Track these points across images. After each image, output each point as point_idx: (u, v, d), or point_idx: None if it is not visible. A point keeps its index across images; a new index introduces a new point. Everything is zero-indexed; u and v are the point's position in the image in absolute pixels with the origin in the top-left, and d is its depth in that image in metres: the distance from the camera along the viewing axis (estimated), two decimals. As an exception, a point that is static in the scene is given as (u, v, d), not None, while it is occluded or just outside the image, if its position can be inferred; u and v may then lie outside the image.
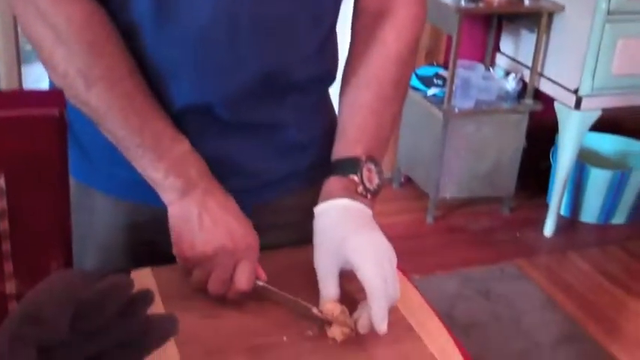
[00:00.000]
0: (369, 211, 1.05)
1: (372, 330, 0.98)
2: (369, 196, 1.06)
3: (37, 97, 0.71)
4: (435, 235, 3.28)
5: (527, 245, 3.26)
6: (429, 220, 3.34)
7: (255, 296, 1.03)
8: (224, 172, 1.12)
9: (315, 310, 0.99)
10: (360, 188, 1.05)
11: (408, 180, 3.57)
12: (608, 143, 3.61)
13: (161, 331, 0.62)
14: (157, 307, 1.02)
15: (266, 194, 1.17)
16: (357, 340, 0.99)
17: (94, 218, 1.18)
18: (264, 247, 1.16)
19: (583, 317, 2.77)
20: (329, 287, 1.00)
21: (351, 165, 1.07)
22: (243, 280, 1.00)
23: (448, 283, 2.90)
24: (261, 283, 1.03)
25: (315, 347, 0.97)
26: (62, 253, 0.73)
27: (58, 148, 0.66)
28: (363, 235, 1.00)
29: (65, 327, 0.53)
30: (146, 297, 0.59)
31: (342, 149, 1.11)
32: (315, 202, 1.20)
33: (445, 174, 3.24)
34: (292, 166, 1.18)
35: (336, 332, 0.97)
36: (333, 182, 1.07)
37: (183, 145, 1.03)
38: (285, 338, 0.99)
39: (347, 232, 1.00)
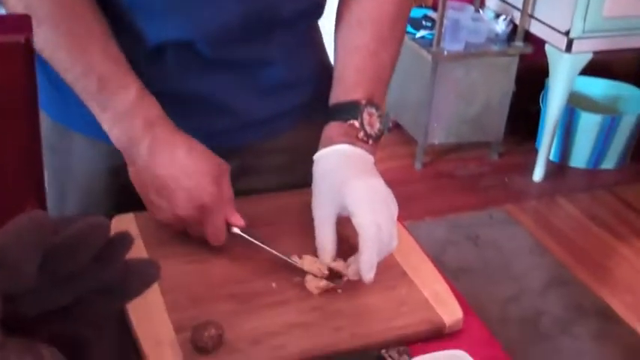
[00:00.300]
0: (370, 157, 1.01)
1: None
2: (370, 141, 1.01)
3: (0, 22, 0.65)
4: (423, 181, 3.24)
5: (516, 190, 3.23)
6: (418, 166, 3.30)
7: (240, 242, 0.98)
8: (207, 111, 1.07)
9: (294, 259, 0.95)
10: (361, 134, 1.01)
11: (397, 125, 3.52)
12: (598, 87, 3.56)
13: (142, 277, 0.57)
14: (140, 253, 0.98)
15: (251, 135, 1.12)
16: (351, 286, 0.95)
17: (73, 161, 1.13)
18: (251, 191, 1.12)
19: (572, 262, 2.76)
20: (325, 233, 0.96)
21: (350, 110, 1.02)
22: (211, 236, 0.96)
23: (437, 229, 2.88)
24: (236, 231, 0.98)
25: (305, 295, 0.93)
26: (33, 194, 0.68)
27: (25, 78, 0.60)
28: (362, 180, 0.95)
29: (33, 273, 0.48)
30: (124, 240, 0.54)
31: (340, 93, 1.06)
32: (304, 144, 1.16)
33: (434, 119, 3.19)
34: (279, 106, 1.13)
35: (310, 286, 0.93)
36: (332, 128, 1.03)
37: (128, 94, 0.95)
38: (274, 285, 0.95)
39: (346, 178, 0.95)
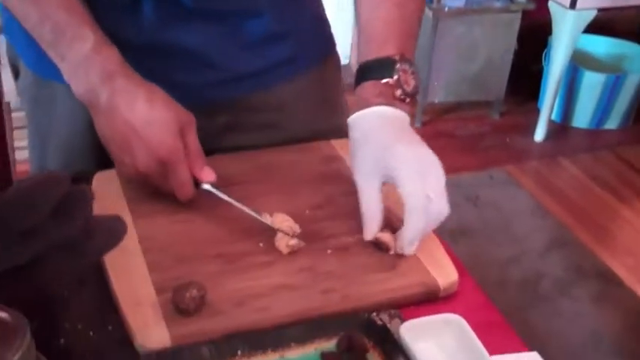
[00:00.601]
0: (407, 118, 0.95)
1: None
2: (407, 99, 0.95)
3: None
4: (423, 140, 3.18)
5: (517, 151, 3.18)
6: (417, 125, 3.25)
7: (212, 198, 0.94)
8: (189, 65, 1.02)
9: (265, 217, 0.91)
10: (399, 92, 0.94)
11: (396, 84, 3.46)
12: (602, 46, 3.49)
13: (107, 234, 0.53)
14: (122, 211, 0.94)
15: (238, 89, 1.07)
16: (341, 247, 0.91)
17: (55, 115, 1.09)
18: (239, 149, 1.08)
19: (573, 223, 2.72)
20: (371, 203, 0.90)
21: (384, 67, 0.95)
22: (177, 191, 0.92)
23: (436, 189, 2.83)
24: (206, 187, 0.93)
25: (293, 256, 0.89)
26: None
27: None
28: (408, 146, 0.90)
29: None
30: (84, 195, 0.49)
31: (371, 49, 0.98)
32: (293, 100, 1.11)
33: (434, 77, 3.13)
34: (267, 60, 1.07)
35: (281, 244, 0.89)
36: (367, 88, 0.96)
37: (83, 45, 0.90)
38: (261, 245, 0.91)
39: (389, 142, 0.89)
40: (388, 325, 0.81)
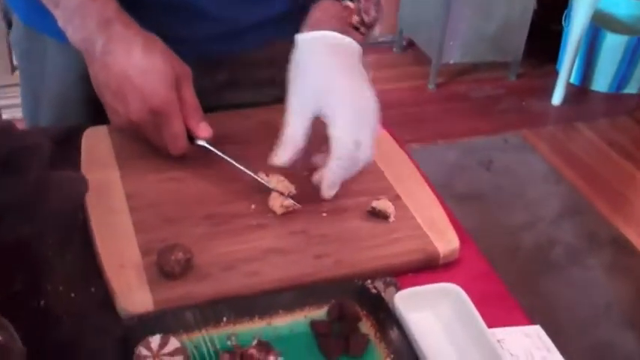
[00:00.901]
0: (358, 50, 0.88)
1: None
2: (362, 29, 0.89)
3: None
4: (436, 102, 3.12)
5: (534, 114, 3.11)
6: (431, 86, 3.18)
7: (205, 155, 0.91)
8: (188, 18, 0.97)
9: (261, 176, 0.87)
10: (355, 19, 0.89)
11: (411, 44, 3.39)
12: (624, 6, 3.38)
13: (65, 192, 0.48)
14: (112, 169, 0.91)
15: (238, 44, 1.02)
16: (338, 209, 0.87)
17: (46, 67, 1.06)
18: (241, 106, 1.04)
19: (589, 190, 2.66)
20: (295, 125, 0.85)
21: None
22: (169, 144, 0.88)
23: (449, 153, 2.78)
24: (201, 143, 0.89)
25: (286, 219, 0.85)
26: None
27: None
28: (349, 82, 0.84)
29: None
30: (39, 149, 0.45)
31: None
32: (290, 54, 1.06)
33: (449, 37, 3.05)
34: (268, 12, 1.02)
35: (275, 204, 0.85)
36: (323, 6, 0.91)
37: None
38: (253, 207, 0.87)
39: (331, 75, 0.84)
40: (382, 294, 0.77)
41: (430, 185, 0.94)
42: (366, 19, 0.89)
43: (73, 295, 0.76)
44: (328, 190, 0.85)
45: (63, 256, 0.81)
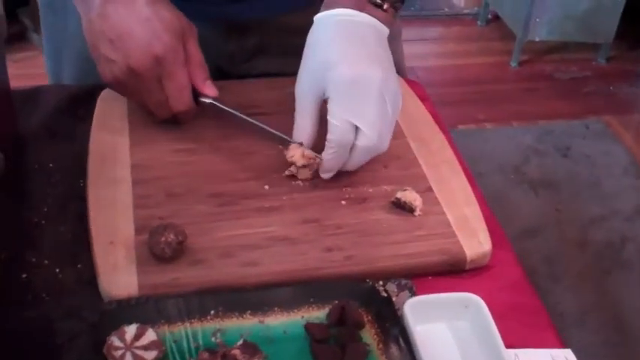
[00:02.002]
0: (381, 30, 0.79)
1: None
2: (385, 6, 0.79)
3: None
4: (517, 80, 2.96)
5: (621, 100, 2.91)
6: (513, 64, 3.02)
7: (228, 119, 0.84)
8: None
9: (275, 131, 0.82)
10: None
11: (496, 17, 3.22)
12: None
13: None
14: (122, 134, 0.85)
15: (269, 8, 0.94)
16: (358, 199, 0.78)
17: (69, 21, 1.00)
18: (271, 74, 0.96)
19: (672, 186, 2.47)
20: (303, 116, 0.79)
21: None
22: (172, 98, 0.80)
23: (524, 135, 2.63)
24: (208, 101, 0.83)
25: (301, 203, 0.77)
26: None
27: None
28: (353, 68, 0.74)
29: None
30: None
31: None
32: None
33: (536, 12, 2.86)
34: None
35: (296, 154, 0.79)
36: None
37: None
38: (266, 187, 0.79)
39: (334, 58, 0.75)
40: (394, 298, 0.69)
41: (470, 177, 0.84)
42: None
43: (57, 270, 0.70)
44: (324, 174, 0.79)
45: (56, 226, 0.75)
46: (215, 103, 0.82)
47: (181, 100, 0.80)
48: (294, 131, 0.80)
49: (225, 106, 0.83)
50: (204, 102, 0.82)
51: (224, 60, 0.97)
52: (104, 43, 0.78)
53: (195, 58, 0.81)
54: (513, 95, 2.87)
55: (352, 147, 0.76)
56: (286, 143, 0.80)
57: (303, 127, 0.79)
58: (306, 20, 0.96)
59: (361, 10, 0.78)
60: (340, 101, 0.74)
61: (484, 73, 2.95)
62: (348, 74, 0.74)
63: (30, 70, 2.12)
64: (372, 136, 0.74)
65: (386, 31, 0.79)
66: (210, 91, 0.82)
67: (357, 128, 0.74)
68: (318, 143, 0.79)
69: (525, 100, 2.85)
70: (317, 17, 0.79)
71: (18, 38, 2.77)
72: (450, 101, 2.73)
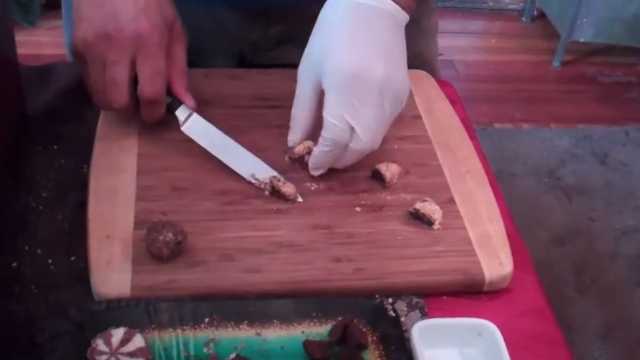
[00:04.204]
0: (399, 17, 0.72)
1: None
2: None
3: None
4: (558, 81, 2.87)
5: (665, 109, 2.81)
6: (556, 64, 2.93)
7: None
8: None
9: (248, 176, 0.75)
10: None
11: (541, 15, 3.12)
12: None
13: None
14: (132, 122, 0.80)
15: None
16: (373, 206, 0.74)
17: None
18: (296, 65, 0.91)
19: None
20: (299, 105, 0.74)
21: None
22: (145, 83, 0.71)
23: (561, 138, 2.55)
24: (186, 114, 0.77)
25: (313, 207, 0.73)
26: None
27: None
28: (351, 59, 0.68)
29: None
30: None
31: None
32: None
33: (583, 12, 2.77)
34: None
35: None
36: None
37: None
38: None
39: (332, 47, 0.69)
40: (402, 319, 0.64)
41: (497, 189, 0.78)
42: None
43: (50, 261, 0.67)
44: (312, 171, 0.75)
45: (53, 214, 0.72)
46: (193, 116, 0.76)
47: (153, 86, 0.72)
48: (291, 121, 0.75)
49: (206, 119, 0.77)
50: (181, 116, 0.76)
51: (247, 48, 0.92)
52: (90, 3, 0.71)
53: (180, 64, 0.75)
54: (553, 96, 2.78)
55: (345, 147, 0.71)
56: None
57: (299, 118, 0.74)
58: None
59: None
60: (337, 97, 0.69)
61: (525, 71, 2.87)
62: (346, 67, 0.68)
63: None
64: (367, 140, 0.70)
65: (405, 18, 0.73)
66: (191, 102, 0.76)
67: (352, 128, 0.69)
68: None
69: (565, 102, 2.76)
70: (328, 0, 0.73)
71: (53, 6, 2.75)
72: (487, 98, 2.66)
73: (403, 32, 0.73)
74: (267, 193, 0.73)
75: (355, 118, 0.69)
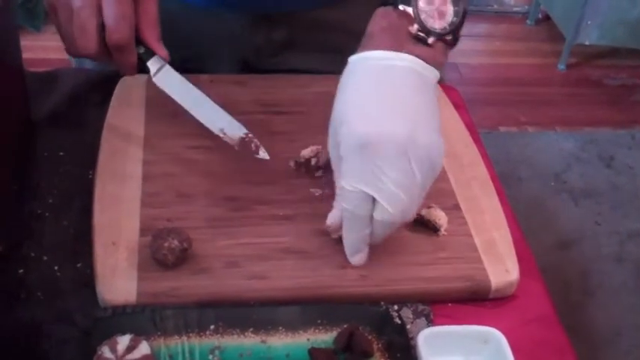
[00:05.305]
0: (424, 74, 0.64)
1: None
2: (431, 40, 0.65)
3: None
4: (563, 84, 2.87)
5: (671, 112, 2.81)
6: (561, 66, 2.92)
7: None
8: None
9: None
10: (415, 27, 0.65)
11: (546, 17, 3.12)
12: None
13: None
14: (138, 125, 0.80)
15: (299, 2, 0.89)
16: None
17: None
18: (299, 71, 0.92)
19: None
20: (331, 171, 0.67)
21: None
22: (110, 29, 0.67)
23: (567, 141, 2.54)
24: (157, 66, 0.74)
25: (322, 213, 0.72)
26: None
27: None
28: (369, 127, 0.61)
29: None
30: None
31: None
32: (364, 19, 0.92)
33: (588, 15, 2.76)
34: None
35: None
36: (376, 18, 0.68)
37: None
38: (283, 193, 0.74)
39: (349, 114, 0.63)
40: (409, 326, 0.64)
41: (502, 195, 0.78)
42: (436, 25, 0.65)
43: (56, 268, 0.67)
44: (352, 258, 0.67)
45: (59, 220, 0.72)
46: (165, 67, 0.74)
47: (119, 31, 0.68)
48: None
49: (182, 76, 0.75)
50: (152, 68, 0.74)
51: (251, 53, 0.92)
52: None
53: (151, 14, 0.71)
54: (558, 99, 2.78)
55: (371, 219, 0.63)
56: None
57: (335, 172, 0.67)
58: (338, 16, 0.91)
59: (399, 49, 0.64)
60: (352, 165, 0.62)
61: (530, 74, 2.86)
62: (360, 133, 0.61)
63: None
64: (394, 211, 0.62)
65: (431, 74, 0.65)
66: (162, 52, 0.73)
67: (373, 198, 0.62)
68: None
69: (570, 104, 2.75)
70: (351, 59, 0.67)
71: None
72: (492, 101, 2.66)
73: (433, 91, 0.65)
74: (236, 148, 0.73)
75: (374, 186, 0.61)
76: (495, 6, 3.26)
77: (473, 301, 0.68)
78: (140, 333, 0.59)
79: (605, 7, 2.75)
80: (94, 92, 0.87)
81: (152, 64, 0.74)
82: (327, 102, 0.86)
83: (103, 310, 0.62)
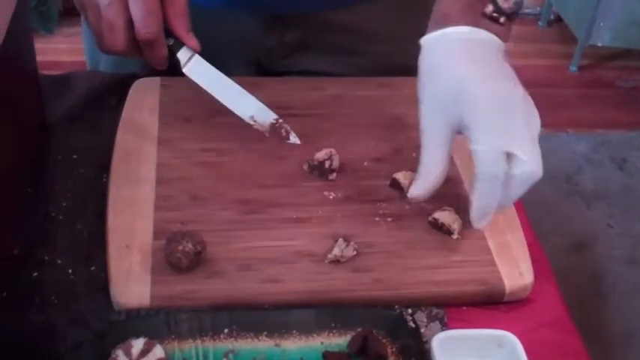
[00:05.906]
0: (499, 45, 0.70)
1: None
2: (502, 20, 0.70)
3: None
4: (575, 86, 2.86)
5: (684, 114, 2.79)
6: (573, 68, 2.91)
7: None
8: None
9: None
10: (490, 8, 0.70)
11: (558, 19, 3.11)
12: None
13: None
14: (151, 128, 0.81)
15: (312, 4, 0.89)
16: (393, 215, 0.73)
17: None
18: (311, 73, 0.92)
19: None
20: (433, 155, 0.69)
21: None
22: (139, 24, 0.69)
23: (579, 143, 2.53)
24: (187, 56, 0.74)
25: (329, 217, 0.72)
26: None
27: None
28: (488, 85, 0.66)
29: None
30: None
31: None
32: (376, 21, 0.92)
33: (601, 16, 2.75)
34: None
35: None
36: (449, 0, 0.72)
37: None
38: (298, 196, 0.74)
39: (464, 77, 0.66)
40: (423, 330, 0.64)
41: (521, 208, 0.78)
42: (505, 5, 0.70)
43: (70, 271, 0.67)
44: (478, 222, 0.68)
45: (73, 223, 0.72)
46: (195, 57, 0.75)
47: (147, 26, 0.69)
48: (421, 166, 0.69)
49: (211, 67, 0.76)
50: (182, 58, 0.74)
51: (263, 55, 0.92)
52: None
53: (180, 6, 0.72)
54: (570, 101, 2.77)
55: (508, 178, 0.65)
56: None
57: (437, 158, 0.68)
58: (350, 18, 0.91)
59: (477, 25, 0.69)
60: (486, 125, 0.65)
61: (541, 75, 2.86)
62: (490, 91, 0.65)
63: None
64: (532, 162, 0.65)
65: (503, 46, 0.70)
66: (192, 42, 0.74)
67: (508, 156, 0.64)
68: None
69: (582, 106, 2.74)
70: (427, 38, 0.70)
71: (70, 13, 2.77)
72: (504, 103, 2.65)
73: (505, 60, 0.70)
74: (267, 134, 0.74)
75: (511, 141, 0.64)
76: (507, 7, 3.25)
77: (487, 305, 0.68)
78: (154, 336, 0.59)
79: (618, 9, 2.74)
80: (108, 95, 0.87)
81: (182, 55, 0.74)
82: (341, 104, 0.87)
83: (117, 313, 0.63)
